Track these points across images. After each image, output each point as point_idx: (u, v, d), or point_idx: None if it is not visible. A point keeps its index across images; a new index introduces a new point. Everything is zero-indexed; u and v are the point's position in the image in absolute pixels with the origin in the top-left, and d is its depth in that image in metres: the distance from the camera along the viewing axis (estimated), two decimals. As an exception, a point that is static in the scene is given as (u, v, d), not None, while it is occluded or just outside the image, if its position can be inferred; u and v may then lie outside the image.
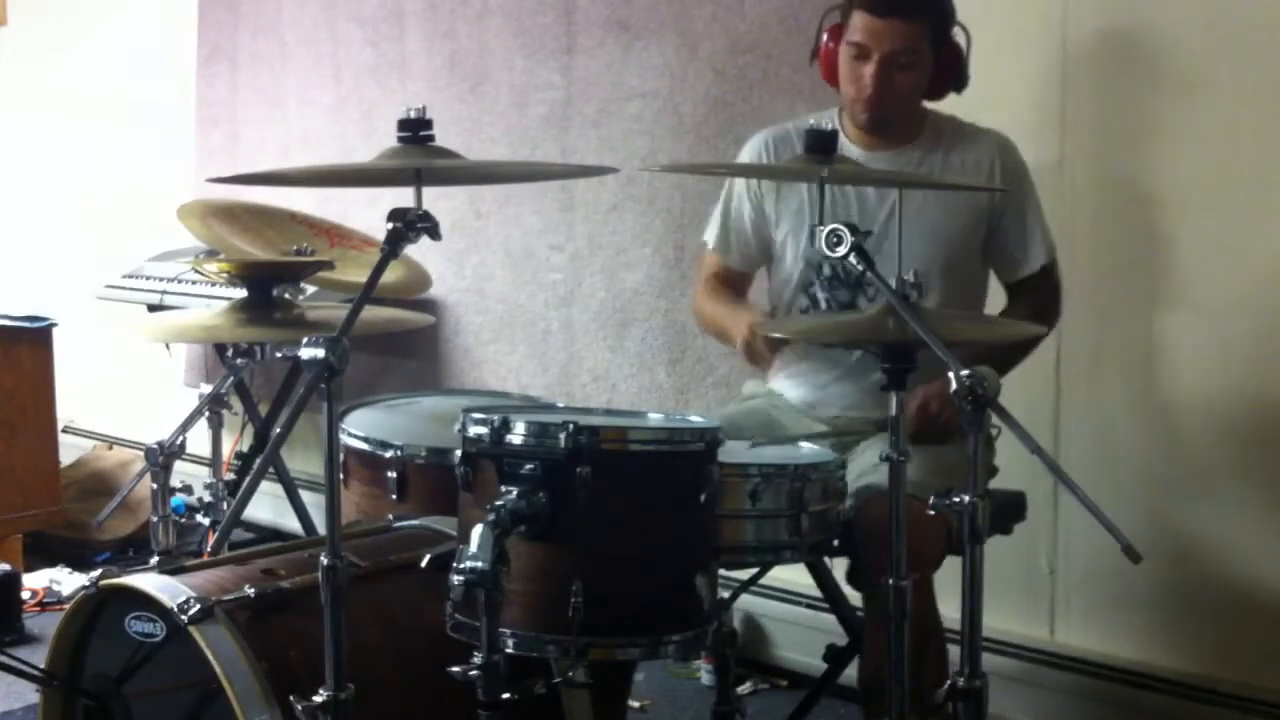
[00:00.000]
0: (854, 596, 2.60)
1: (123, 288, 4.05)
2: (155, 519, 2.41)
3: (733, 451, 2.10)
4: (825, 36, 2.53)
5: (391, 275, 2.32)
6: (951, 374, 1.74)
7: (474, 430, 1.85)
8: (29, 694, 3.01)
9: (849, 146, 2.54)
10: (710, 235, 2.71)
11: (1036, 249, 2.52)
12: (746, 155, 2.65)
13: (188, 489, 2.92)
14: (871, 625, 2.33)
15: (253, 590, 1.89)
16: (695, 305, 2.79)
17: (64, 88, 5.34)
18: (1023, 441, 1.73)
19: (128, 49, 5.12)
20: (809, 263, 2.56)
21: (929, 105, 2.56)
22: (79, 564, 4.09)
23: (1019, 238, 2.53)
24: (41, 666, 2.06)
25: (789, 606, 3.21)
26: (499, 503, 1.76)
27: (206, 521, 2.78)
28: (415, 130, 1.95)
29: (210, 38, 4.70)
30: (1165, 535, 2.70)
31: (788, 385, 2.66)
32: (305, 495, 3.59)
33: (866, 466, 2.30)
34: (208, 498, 2.75)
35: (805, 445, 2.33)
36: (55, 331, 4.15)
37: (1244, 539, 2.64)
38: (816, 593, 2.74)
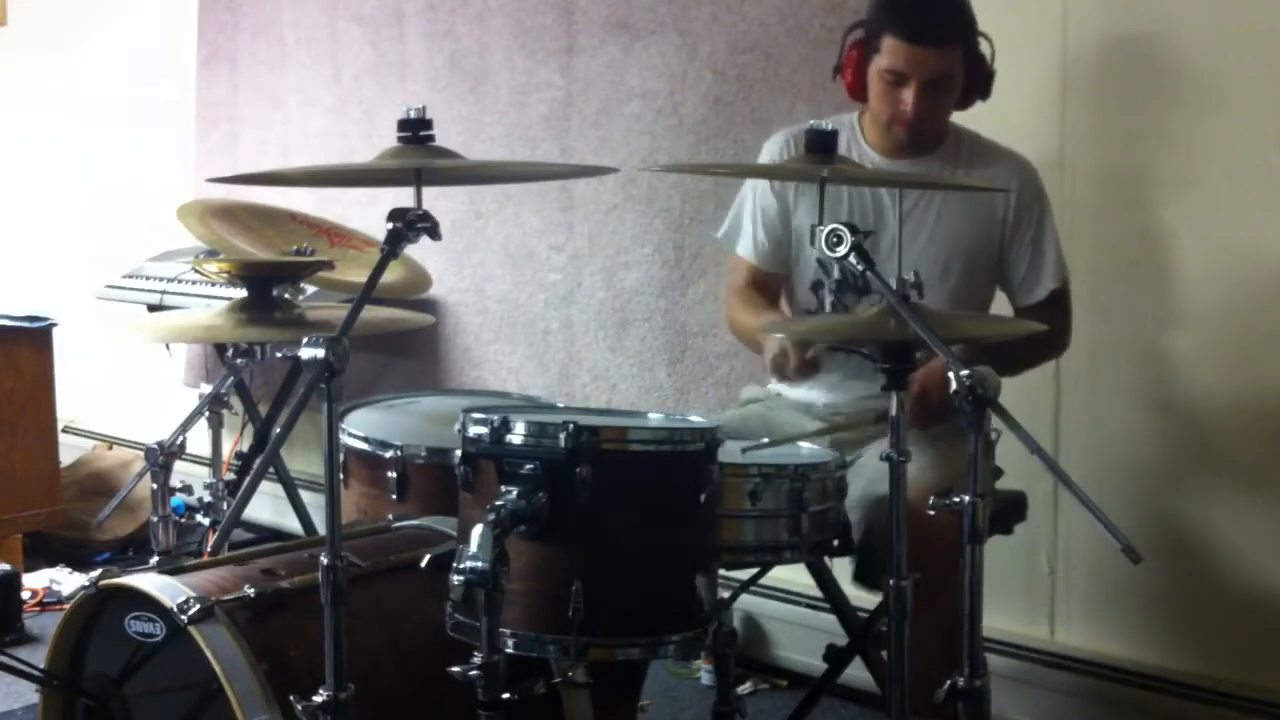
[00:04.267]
0: (854, 596, 2.60)
1: (123, 288, 4.05)
2: (155, 519, 2.41)
3: (732, 453, 2.09)
4: (852, 52, 2.51)
5: (391, 275, 2.32)
6: (951, 374, 1.74)
7: (474, 430, 1.85)
8: (29, 694, 3.01)
9: (870, 154, 2.55)
10: (742, 243, 2.66)
11: (1048, 274, 2.52)
12: (768, 153, 2.64)
13: (188, 489, 2.92)
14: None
15: (253, 590, 1.89)
16: (729, 317, 2.74)
17: (64, 88, 5.34)
18: (1023, 441, 1.73)
19: (128, 49, 5.12)
20: (821, 265, 2.57)
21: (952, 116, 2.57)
22: (79, 564, 4.09)
23: (1033, 262, 2.53)
24: (41, 666, 2.06)
25: (789, 606, 3.22)
26: (499, 503, 1.76)
27: (206, 521, 2.78)
28: (415, 130, 1.95)
29: (210, 38, 4.70)
30: (1165, 535, 2.70)
31: (786, 387, 2.66)
32: (305, 495, 3.59)
33: (875, 472, 2.29)
34: (208, 498, 2.76)
35: (805, 445, 2.34)
36: (55, 331, 4.15)
37: (1244, 539, 2.64)
38: (816, 593, 2.74)
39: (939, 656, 2.02)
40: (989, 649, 2.70)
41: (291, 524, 3.70)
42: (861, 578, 2.40)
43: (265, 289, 2.34)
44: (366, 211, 3.74)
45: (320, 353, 1.72)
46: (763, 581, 2.77)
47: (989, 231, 2.53)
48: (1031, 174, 2.55)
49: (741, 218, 2.67)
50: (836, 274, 2.53)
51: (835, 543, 2.24)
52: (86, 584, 1.98)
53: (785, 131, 2.64)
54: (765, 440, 2.21)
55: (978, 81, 2.49)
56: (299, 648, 1.85)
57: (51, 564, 4.09)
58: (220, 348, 3.54)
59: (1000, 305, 2.64)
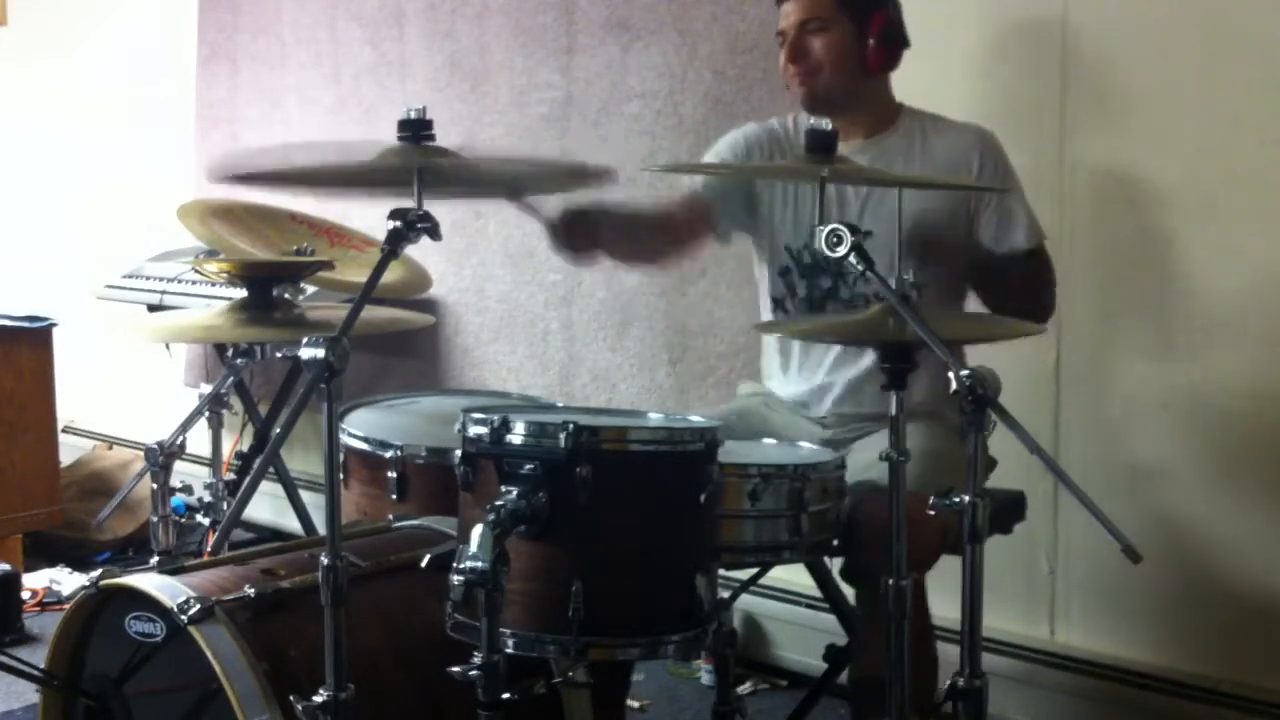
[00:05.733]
0: (854, 596, 2.60)
1: (123, 288, 4.05)
2: (155, 519, 2.42)
3: (730, 451, 2.10)
4: None
5: (391, 275, 2.31)
6: (951, 374, 1.74)
7: (474, 430, 1.85)
8: (29, 694, 3.01)
9: None
10: (693, 180, 2.65)
11: (1020, 232, 2.47)
12: (724, 146, 2.65)
13: (188, 489, 2.92)
14: (864, 622, 2.33)
15: (253, 590, 1.89)
16: None
17: (64, 88, 5.34)
18: (1023, 441, 1.73)
19: (128, 49, 5.12)
20: (788, 250, 2.56)
21: (907, 102, 2.56)
22: (79, 564, 4.10)
23: (1002, 221, 2.48)
24: (41, 666, 2.06)
25: (789, 606, 3.22)
26: (499, 503, 1.75)
27: (206, 521, 2.78)
28: (415, 130, 1.95)
29: (210, 38, 4.70)
30: (1166, 535, 2.70)
31: (780, 384, 2.66)
32: (305, 495, 3.59)
33: (865, 463, 2.29)
34: (208, 498, 2.76)
35: (805, 444, 2.33)
36: (55, 331, 4.16)
37: (1244, 539, 2.64)
38: (816, 593, 2.74)
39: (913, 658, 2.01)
40: (989, 649, 2.71)
41: (291, 524, 3.71)
42: (845, 573, 2.39)
43: (265, 289, 2.34)
44: (366, 211, 3.73)
45: (320, 353, 1.72)
46: (763, 581, 2.77)
47: (955, 206, 2.50)
48: (991, 142, 2.52)
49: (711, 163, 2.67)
50: (806, 259, 2.53)
51: (835, 543, 2.24)
52: (86, 584, 1.98)
53: (746, 126, 2.65)
54: None
55: (883, 33, 2.48)
56: (299, 648, 1.85)
57: (51, 564, 4.09)
58: (220, 348, 3.54)
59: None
